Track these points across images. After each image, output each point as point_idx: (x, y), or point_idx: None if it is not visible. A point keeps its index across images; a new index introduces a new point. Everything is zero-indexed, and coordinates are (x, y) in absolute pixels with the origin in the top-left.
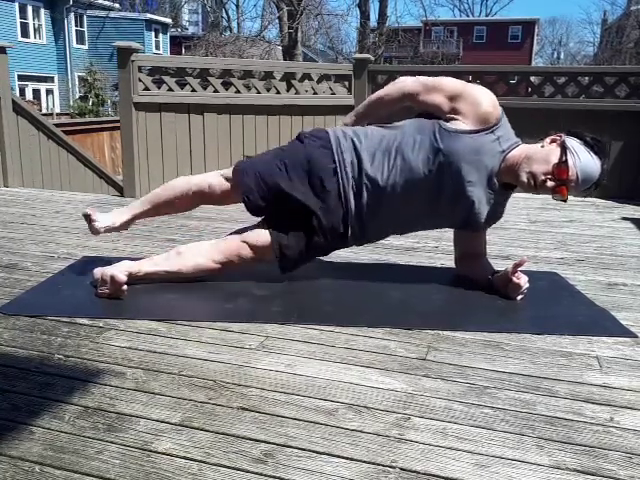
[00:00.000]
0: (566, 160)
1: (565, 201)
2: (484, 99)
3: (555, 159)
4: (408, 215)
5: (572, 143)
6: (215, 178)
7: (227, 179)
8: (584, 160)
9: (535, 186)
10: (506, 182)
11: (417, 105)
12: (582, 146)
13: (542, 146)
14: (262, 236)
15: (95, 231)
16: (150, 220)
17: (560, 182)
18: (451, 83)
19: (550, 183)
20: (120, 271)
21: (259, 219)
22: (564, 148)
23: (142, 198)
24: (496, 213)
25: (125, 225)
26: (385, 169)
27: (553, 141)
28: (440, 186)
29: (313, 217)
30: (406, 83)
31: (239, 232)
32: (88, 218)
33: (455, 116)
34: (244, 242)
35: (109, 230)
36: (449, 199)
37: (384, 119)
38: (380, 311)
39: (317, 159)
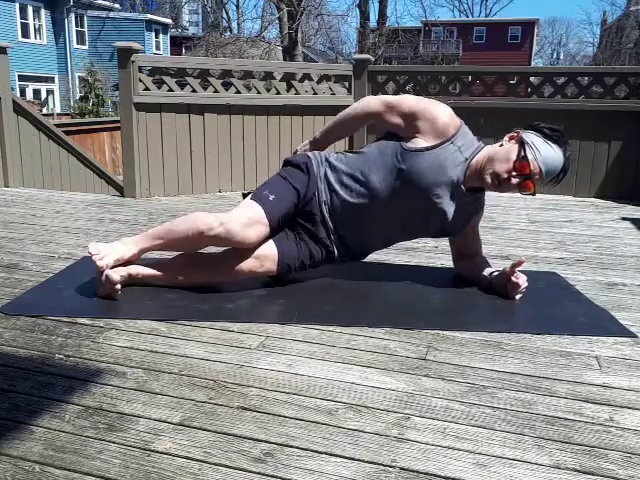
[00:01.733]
0: (525, 155)
1: (534, 194)
2: (439, 113)
3: (514, 156)
4: (385, 232)
5: (530, 137)
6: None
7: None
8: (543, 152)
9: (500, 184)
10: (474, 186)
11: (380, 124)
12: (540, 138)
13: (501, 145)
14: (265, 249)
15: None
16: (152, 220)
17: (524, 177)
18: (409, 102)
19: (514, 180)
20: (118, 272)
21: None
22: (522, 143)
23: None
24: (474, 209)
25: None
26: (354, 192)
27: (512, 138)
28: (409, 203)
29: (307, 233)
30: (369, 103)
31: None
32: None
33: (415, 134)
34: (248, 255)
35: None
36: (420, 214)
37: (348, 135)
38: (380, 311)
39: (300, 188)
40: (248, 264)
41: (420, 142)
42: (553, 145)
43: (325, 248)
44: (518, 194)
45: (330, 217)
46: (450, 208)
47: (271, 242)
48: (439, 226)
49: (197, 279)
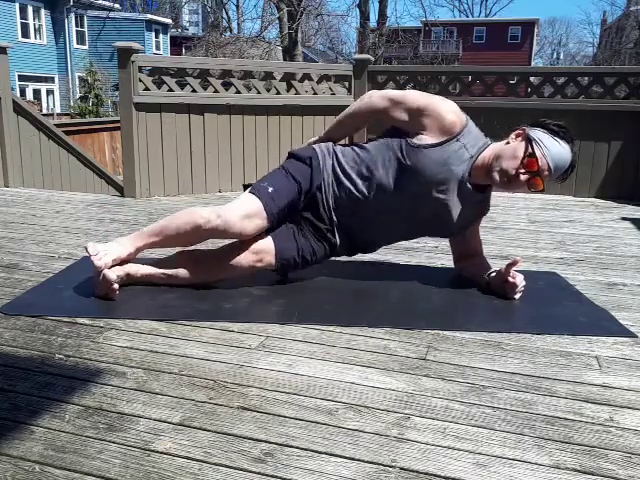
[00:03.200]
0: (533, 152)
1: (543, 191)
2: (445, 110)
3: (522, 153)
4: (389, 228)
5: (536, 134)
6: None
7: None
8: (551, 148)
9: (509, 182)
10: (480, 184)
11: (386, 120)
12: (546, 134)
13: (507, 142)
14: (263, 244)
15: (102, 266)
16: (152, 220)
17: (532, 174)
18: (414, 97)
19: (523, 177)
20: (117, 272)
21: None
22: (529, 140)
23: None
24: (479, 210)
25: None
26: (360, 186)
27: (518, 135)
28: (413, 200)
29: (308, 226)
30: (374, 100)
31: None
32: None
33: (420, 131)
34: (246, 250)
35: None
36: (425, 211)
37: (353, 133)
38: (380, 311)
39: (302, 181)
40: (247, 259)
41: (425, 138)
42: (560, 141)
43: (328, 242)
44: (518, 194)
45: (335, 210)
46: (456, 205)
47: (269, 237)
48: (443, 224)
49: (196, 276)
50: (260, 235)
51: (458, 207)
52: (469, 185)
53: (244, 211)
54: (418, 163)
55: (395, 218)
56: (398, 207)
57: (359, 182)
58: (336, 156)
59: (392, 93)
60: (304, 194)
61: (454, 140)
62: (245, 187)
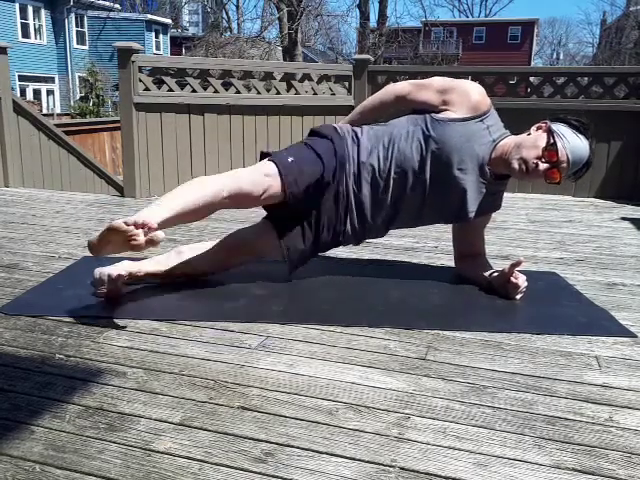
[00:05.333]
0: (555, 142)
1: (559, 183)
2: (473, 89)
3: (543, 143)
4: (404, 208)
5: (558, 127)
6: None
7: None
8: (572, 141)
9: (527, 171)
10: (498, 173)
11: (408, 105)
12: (568, 129)
13: (529, 134)
14: (264, 235)
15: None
16: None
17: (551, 165)
18: (440, 79)
19: (542, 166)
20: (118, 271)
21: (260, 218)
22: (551, 132)
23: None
24: (491, 203)
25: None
26: (381, 160)
27: (539, 128)
28: (433, 174)
29: (319, 212)
30: (397, 86)
31: (240, 231)
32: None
33: (446, 107)
34: (245, 241)
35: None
36: (441, 188)
37: (373, 123)
38: (380, 311)
39: (325, 158)
40: (249, 248)
41: (450, 114)
42: (580, 136)
43: (340, 225)
44: (517, 193)
45: (354, 190)
46: (472, 187)
47: (272, 228)
48: (458, 206)
49: (199, 268)
50: (263, 226)
51: (474, 190)
52: (487, 170)
53: (259, 174)
54: (443, 135)
55: (414, 198)
56: (418, 183)
57: (381, 157)
58: (356, 134)
59: (415, 80)
60: (327, 171)
61: (479, 119)
62: (263, 155)
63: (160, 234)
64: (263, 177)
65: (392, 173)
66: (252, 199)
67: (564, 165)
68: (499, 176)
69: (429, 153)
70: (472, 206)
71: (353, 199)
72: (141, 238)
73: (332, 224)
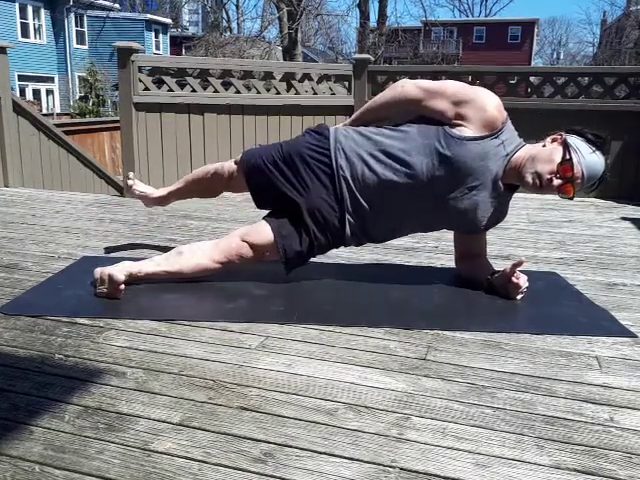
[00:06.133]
0: (570, 158)
1: (572, 199)
2: (489, 103)
3: (558, 158)
4: (410, 218)
5: (574, 141)
6: (227, 162)
7: (235, 162)
8: (587, 157)
9: (541, 186)
10: (509, 183)
11: (420, 111)
12: (584, 143)
13: (544, 145)
14: (263, 235)
15: (130, 190)
16: (152, 220)
17: (565, 180)
18: (454, 88)
19: (556, 182)
20: (118, 271)
21: (260, 219)
22: (567, 146)
23: (177, 181)
24: (499, 214)
25: (159, 200)
26: (387, 171)
27: (554, 140)
28: (444, 190)
29: (314, 213)
30: (408, 89)
31: (240, 231)
32: (128, 181)
33: (460, 122)
34: (245, 241)
35: (142, 197)
36: (453, 204)
37: (383, 122)
38: (380, 311)
39: (312, 156)
40: (248, 249)
41: (466, 131)
42: (596, 151)
43: (339, 226)
44: (517, 193)
45: (349, 194)
46: (484, 202)
47: (269, 230)
48: (469, 220)
49: (199, 269)
50: (263, 226)
51: (487, 206)
52: (501, 185)
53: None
54: (458, 155)
55: (419, 207)
56: (426, 195)
57: (390, 164)
58: (359, 137)
59: (427, 83)
60: (310, 174)
61: (494, 136)
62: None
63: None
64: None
65: (398, 185)
66: (223, 176)
67: (579, 181)
68: (509, 186)
69: (442, 171)
70: (483, 220)
71: (350, 205)
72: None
73: (330, 228)
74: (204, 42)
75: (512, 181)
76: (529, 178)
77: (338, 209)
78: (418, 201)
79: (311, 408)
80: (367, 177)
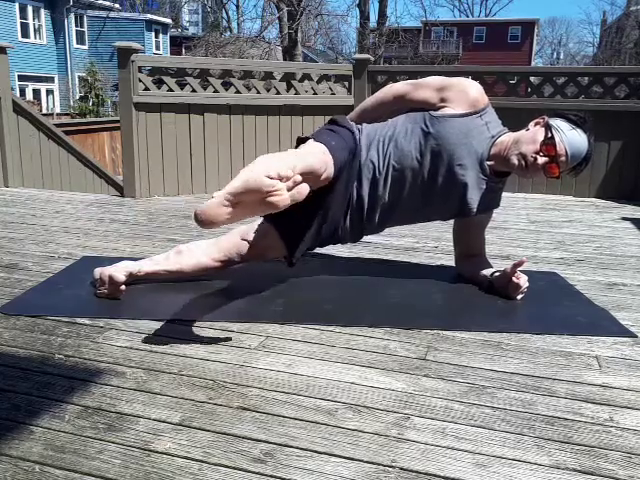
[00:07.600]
0: (552, 136)
1: (558, 178)
2: (471, 86)
3: (541, 138)
4: (404, 204)
5: (556, 121)
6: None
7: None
8: (569, 135)
9: (526, 166)
10: (498, 170)
11: (407, 105)
12: (566, 123)
13: (527, 129)
14: (263, 233)
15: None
16: (152, 220)
17: (550, 158)
18: (438, 79)
19: (541, 160)
20: (118, 271)
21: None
22: (548, 126)
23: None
24: (490, 201)
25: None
26: (380, 156)
27: (537, 123)
28: (432, 171)
29: (322, 206)
30: (395, 85)
31: (240, 230)
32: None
33: (444, 104)
34: (245, 240)
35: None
36: (441, 184)
37: (375, 122)
38: (380, 311)
39: (351, 145)
40: (247, 248)
41: (449, 110)
42: (578, 129)
43: (340, 219)
44: (518, 193)
45: (355, 184)
46: (472, 182)
47: (269, 227)
48: (458, 202)
49: (197, 268)
50: (262, 224)
51: (474, 186)
52: (487, 165)
53: (319, 151)
54: (441, 131)
55: (414, 195)
56: (416, 179)
57: (380, 155)
58: (358, 131)
59: (413, 80)
60: (344, 163)
61: (477, 115)
62: (300, 140)
63: (304, 186)
64: (323, 155)
65: (391, 170)
66: (315, 178)
67: (563, 159)
68: (498, 173)
69: (428, 150)
70: (474, 201)
71: (355, 194)
72: (285, 193)
73: (333, 218)
74: (204, 42)
75: (499, 166)
76: (514, 160)
77: (344, 201)
78: (411, 185)
79: (311, 408)
80: (364, 166)
